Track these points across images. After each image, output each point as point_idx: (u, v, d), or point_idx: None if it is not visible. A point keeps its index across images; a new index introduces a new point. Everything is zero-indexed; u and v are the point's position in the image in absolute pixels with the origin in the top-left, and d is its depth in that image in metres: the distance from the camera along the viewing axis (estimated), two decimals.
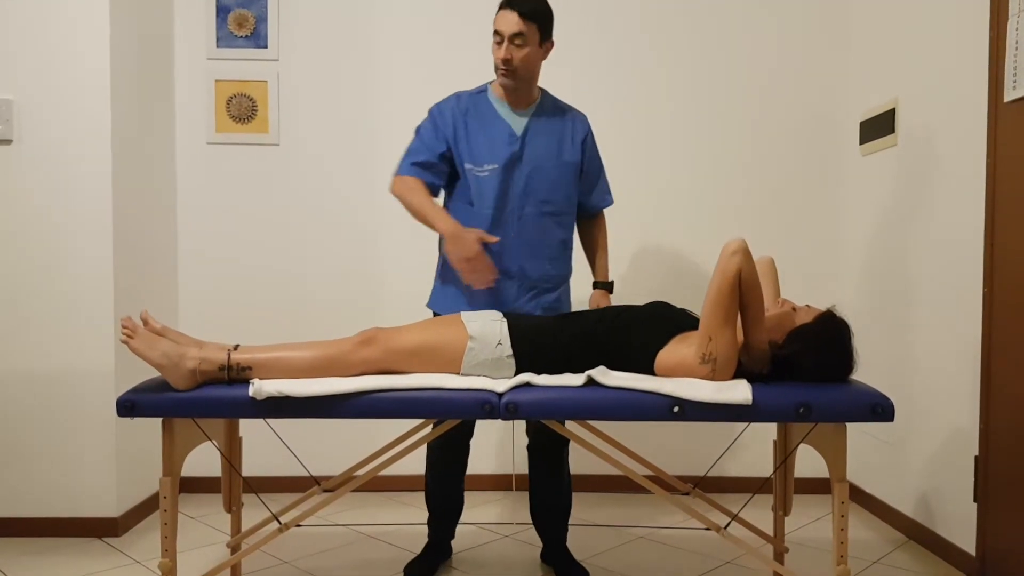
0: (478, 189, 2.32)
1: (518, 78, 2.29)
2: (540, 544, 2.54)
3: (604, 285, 2.47)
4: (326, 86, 3.31)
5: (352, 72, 3.32)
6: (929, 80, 2.69)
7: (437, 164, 2.34)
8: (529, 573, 2.45)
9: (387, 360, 1.94)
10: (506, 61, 2.25)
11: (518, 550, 2.64)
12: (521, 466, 3.32)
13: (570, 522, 2.50)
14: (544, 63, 2.36)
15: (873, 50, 3.11)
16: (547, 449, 2.41)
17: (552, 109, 2.41)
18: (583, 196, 2.47)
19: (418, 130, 2.40)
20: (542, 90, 2.42)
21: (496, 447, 3.34)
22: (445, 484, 2.45)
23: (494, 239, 2.24)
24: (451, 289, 2.36)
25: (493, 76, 2.38)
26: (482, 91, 2.41)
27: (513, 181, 2.31)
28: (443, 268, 2.39)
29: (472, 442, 2.46)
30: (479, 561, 2.55)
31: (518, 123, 2.35)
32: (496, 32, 2.25)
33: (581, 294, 2.60)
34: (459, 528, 2.57)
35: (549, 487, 2.43)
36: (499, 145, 2.32)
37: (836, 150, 3.33)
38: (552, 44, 2.34)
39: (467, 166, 2.32)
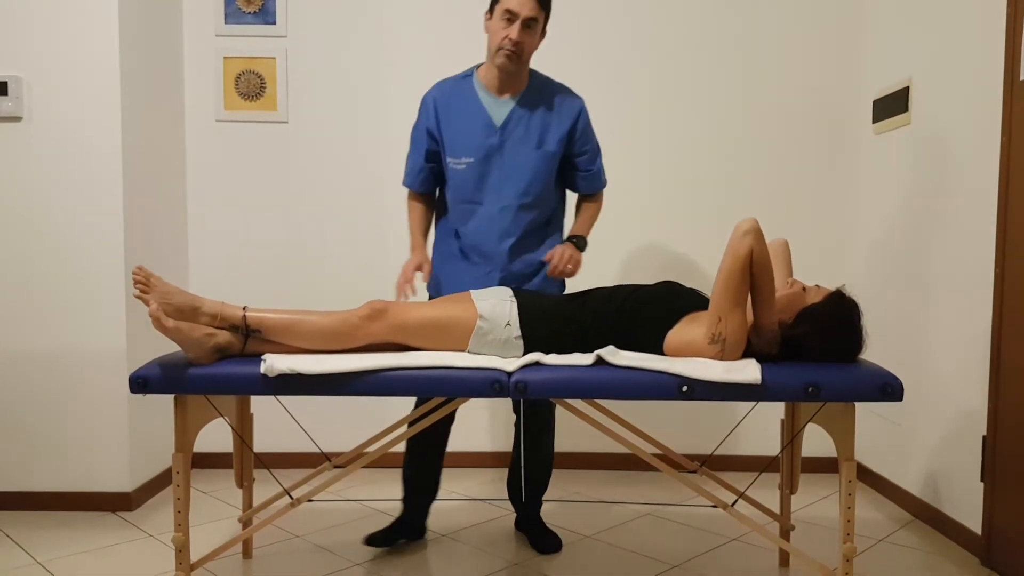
0: (455, 181, 2.33)
1: (521, 62, 2.27)
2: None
3: (573, 238, 2.39)
4: (335, 63, 3.30)
5: (361, 48, 3.30)
6: (944, 58, 2.66)
7: (426, 168, 2.38)
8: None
9: (395, 334, 1.95)
10: (517, 43, 2.21)
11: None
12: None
13: (579, 499, 2.52)
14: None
15: (888, 27, 3.08)
16: (535, 425, 2.45)
17: (538, 95, 2.34)
18: (577, 182, 2.44)
19: (412, 131, 2.42)
20: (532, 73, 2.37)
21: (500, 425, 3.36)
22: (420, 465, 2.45)
23: (426, 275, 2.33)
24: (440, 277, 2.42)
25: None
26: (468, 76, 2.38)
27: (491, 173, 2.30)
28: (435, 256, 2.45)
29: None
30: (489, 537, 2.58)
31: (499, 112, 2.31)
32: (508, 11, 2.20)
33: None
34: (465, 504, 2.60)
35: (534, 460, 2.48)
36: (477, 137, 2.30)
37: (849, 128, 3.30)
38: (544, 36, 2.33)
39: (447, 159, 2.33)
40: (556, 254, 2.30)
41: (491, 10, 2.28)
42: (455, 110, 2.33)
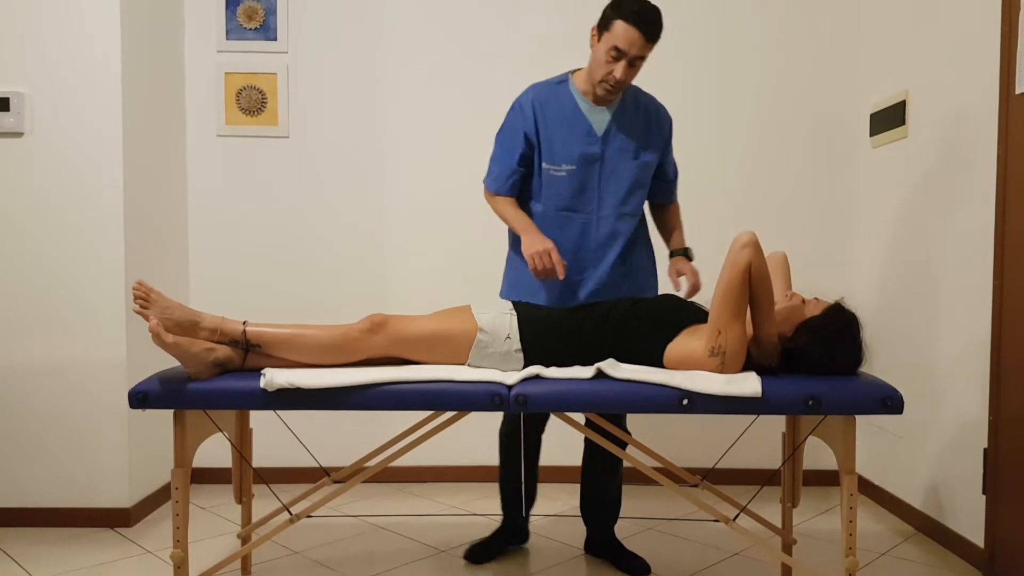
0: (553, 188, 2.26)
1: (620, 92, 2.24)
2: (558, 539, 2.55)
3: (682, 251, 2.40)
4: (335, 78, 3.32)
5: (361, 64, 3.32)
6: (940, 72, 2.67)
7: (518, 171, 2.29)
8: (551, 562, 2.46)
9: (395, 347, 1.95)
10: (621, 82, 2.15)
11: (535, 540, 2.65)
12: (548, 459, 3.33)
13: (578, 513, 2.51)
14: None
15: (884, 41, 3.10)
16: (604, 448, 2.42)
17: (634, 104, 2.30)
18: (662, 191, 2.42)
19: (499, 133, 2.33)
20: None
21: None
22: (514, 474, 2.46)
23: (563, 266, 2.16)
24: (524, 281, 2.32)
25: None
26: (563, 81, 2.31)
27: (590, 182, 2.26)
28: (512, 262, 2.39)
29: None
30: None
31: (599, 120, 2.26)
32: (616, 48, 2.10)
33: None
34: (475, 519, 2.59)
35: (602, 481, 2.45)
36: (578, 145, 2.24)
37: (846, 142, 3.31)
38: None
39: (544, 165, 2.26)
40: (689, 273, 2.31)
41: (599, 30, 2.16)
42: (554, 114, 2.25)
